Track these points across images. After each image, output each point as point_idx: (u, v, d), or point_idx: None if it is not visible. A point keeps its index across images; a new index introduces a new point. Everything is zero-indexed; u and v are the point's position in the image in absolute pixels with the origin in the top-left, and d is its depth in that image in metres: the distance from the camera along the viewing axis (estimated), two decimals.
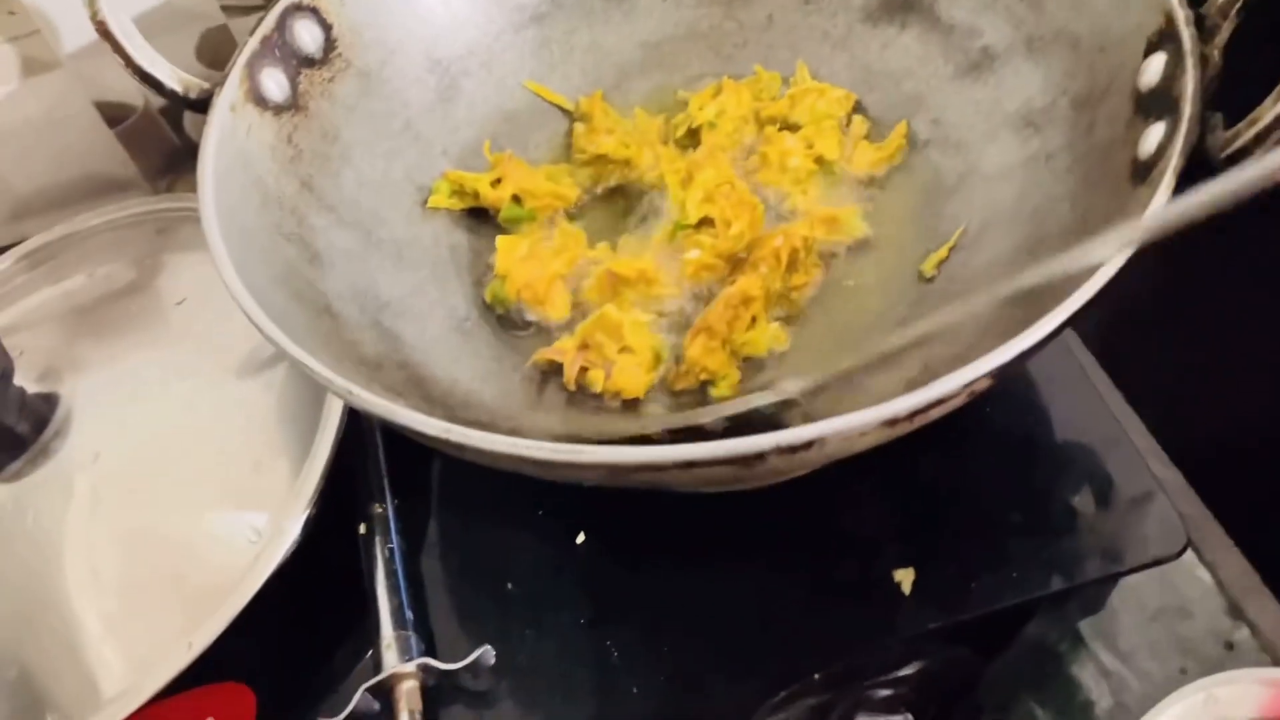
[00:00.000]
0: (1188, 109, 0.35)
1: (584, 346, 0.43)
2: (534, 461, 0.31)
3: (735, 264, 0.45)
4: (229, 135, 0.42)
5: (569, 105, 0.54)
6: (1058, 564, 0.42)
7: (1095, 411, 0.47)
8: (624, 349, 0.42)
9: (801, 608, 0.42)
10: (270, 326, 0.35)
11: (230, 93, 0.43)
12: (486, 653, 0.41)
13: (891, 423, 0.30)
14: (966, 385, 0.30)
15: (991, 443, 0.46)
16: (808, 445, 0.30)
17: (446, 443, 0.31)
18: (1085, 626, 0.48)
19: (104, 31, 0.43)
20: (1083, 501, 0.44)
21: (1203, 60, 0.36)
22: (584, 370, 0.42)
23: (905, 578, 0.42)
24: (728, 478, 0.32)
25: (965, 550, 0.43)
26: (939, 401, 0.30)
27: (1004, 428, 0.47)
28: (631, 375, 0.42)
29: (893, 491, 0.45)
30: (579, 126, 0.52)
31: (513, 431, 0.31)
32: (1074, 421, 0.47)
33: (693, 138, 0.51)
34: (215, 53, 0.61)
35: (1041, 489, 0.45)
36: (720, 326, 0.43)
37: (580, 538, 0.45)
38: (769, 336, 0.43)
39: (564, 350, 0.43)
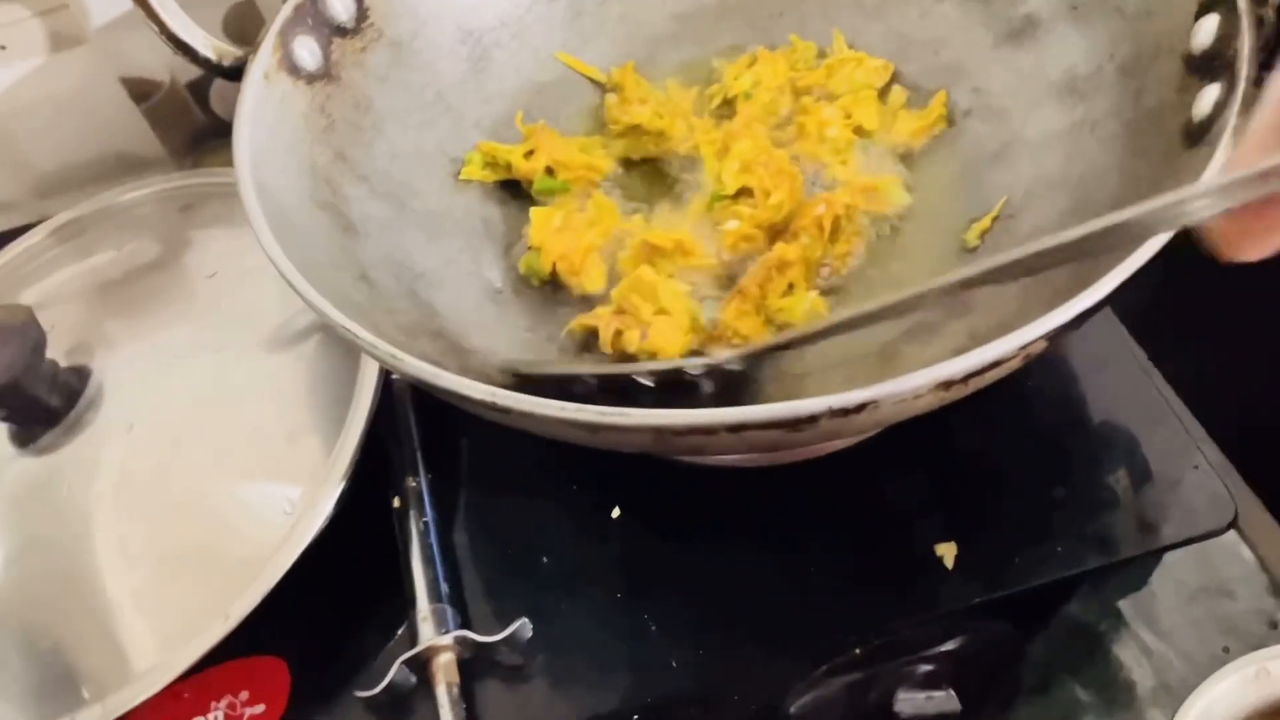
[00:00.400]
0: (1244, 69, 0.35)
1: (620, 311, 0.42)
2: (579, 424, 0.30)
3: (775, 235, 0.44)
4: (263, 103, 0.42)
5: (601, 77, 0.53)
6: (1103, 538, 0.42)
7: (1138, 387, 0.46)
8: (660, 311, 0.41)
9: (843, 581, 0.42)
10: (311, 292, 0.34)
11: (264, 60, 0.43)
12: (524, 625, 0.41)
13: (946, 385, 0.30)
14: (1023, 347, 0.30)
15: (1034, 417, 0.46)
16: (860, 408, 0.29)
17: (492, 406, 0.31)
18: (1126, 606, 0.47)
19: None
20: (1127, 476, 0.44)
21: (1258, 21, 0.35)
22: (619, 334, 0.41)
23: (948, 552, 0.42)
24: (777, 442, 0.31)
25: (1008, 525, 0.43)
26: (994, 364, 0.30)
27: (1046, 403, 0.46)
28: (668, 336, 0.41)
29: (934, 466, 0.44)
30: (611, 98, 0.52)
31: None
32: (1117, 397, 0.46)
33: (728, 108, 0.50)
34: (242, 27, 0.61)
35: (1085, 463, 0.44)
36: (753, 289, 0.42)
37: (615, 512, 0.45)
38: (807, 305, 0.42)
39: (600, 315, 0.42)
